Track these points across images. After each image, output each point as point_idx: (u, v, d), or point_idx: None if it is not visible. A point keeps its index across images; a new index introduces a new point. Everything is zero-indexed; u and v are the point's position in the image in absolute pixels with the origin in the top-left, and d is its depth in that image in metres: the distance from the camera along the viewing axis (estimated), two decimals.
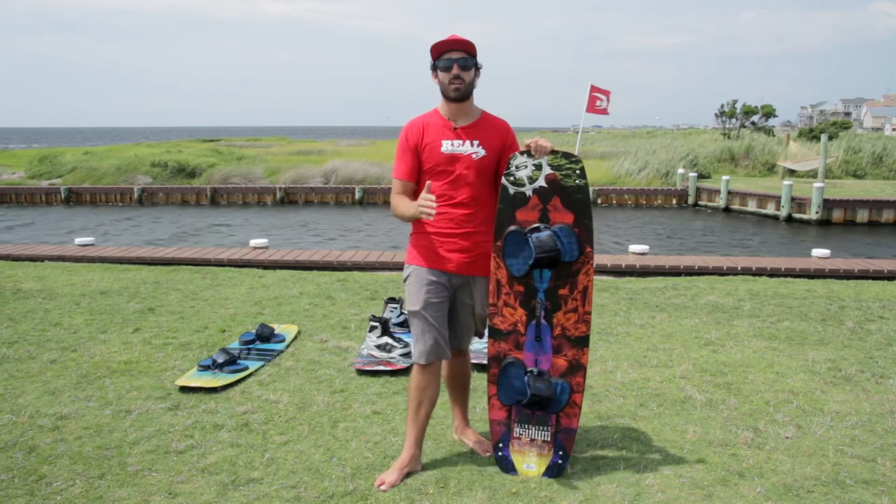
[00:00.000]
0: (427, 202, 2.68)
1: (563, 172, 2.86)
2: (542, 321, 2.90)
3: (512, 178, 2.87)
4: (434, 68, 2.87)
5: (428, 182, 2.80)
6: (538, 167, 2.86)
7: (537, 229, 2.85)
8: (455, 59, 2.81)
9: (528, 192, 2.87)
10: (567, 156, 2.87)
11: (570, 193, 2.86)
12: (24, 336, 4.86)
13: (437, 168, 2.88)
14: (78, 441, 3.21)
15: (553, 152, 2.85)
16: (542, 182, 2.86)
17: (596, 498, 2.75)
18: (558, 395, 2.90)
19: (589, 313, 2.90)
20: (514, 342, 2.94)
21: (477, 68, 2.88)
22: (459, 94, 2.84)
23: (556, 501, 2.73)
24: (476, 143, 2.88)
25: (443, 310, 2.92)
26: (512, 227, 2.87)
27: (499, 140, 2.92)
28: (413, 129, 2.92)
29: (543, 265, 2.85)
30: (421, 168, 2.93)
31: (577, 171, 2.86)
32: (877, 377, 4.11)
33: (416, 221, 2.96)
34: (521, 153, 2.87)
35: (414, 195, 2.93)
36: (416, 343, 2.92)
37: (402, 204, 2.91)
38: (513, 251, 2.86)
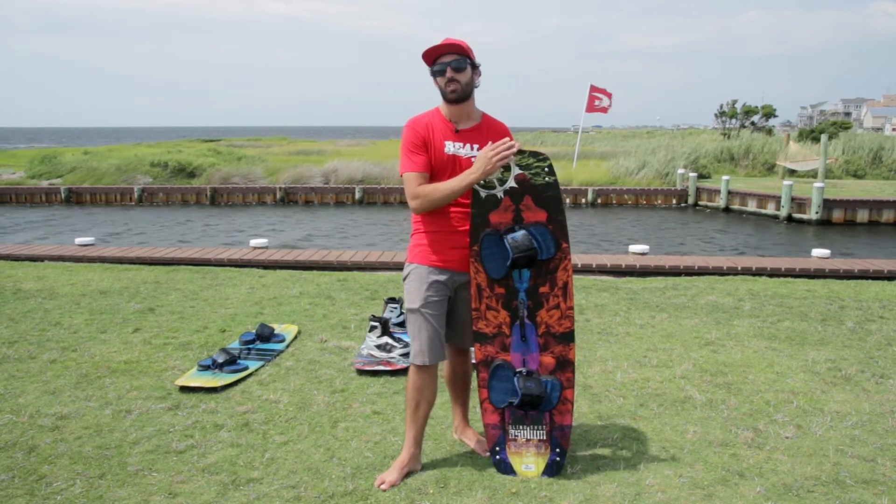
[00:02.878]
0: (500, 147, 2.70)
1: (532, 171, 2.87)
2: (526, 321, 2.91)
3: (481, 182, 2.87)
4: (432, 74, 2.88)
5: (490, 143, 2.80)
6: (506, 168, 2.86)
7: (512, 230, 2.86)
8: (448, 63, 2.81)
9: (500, 195, 2.87)
10: (534, 154, 2.88)
11: (541, 191, 2.87)
12: (24, 336, 4.86)
13: (437, 168, 2.88)
14: (78, 441, 3.21)
15: (520, 152, 2.86)
16: (511, 183, 2.87)
17: (596, 498, 2.75)
18: (549, 392, 2.91)
19: (571, 308, 2.91)
20: (500, 344, 2.94)
21: (474, 67, 2.87)
22: (457, 96, 2.84)
23: (555, 501, 2.73)
24: (476, 146, 2.89)
25: (442, 308, 2.92)
26: (487, 231, 2.87)
27: None
28: (420, 125, 2.91)
29: (521, 265, 2.86)
30: None
31: (546, 169, 2.87)
32: (877, 377, 4.11)
33: (417, 221, 2.96)
34: None
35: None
36: (414, 342, 2.91)
37: (443, 184, 2.79)
38: (490, 254, 2.87)
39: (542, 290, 2.89)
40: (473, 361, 3.88)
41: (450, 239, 2.91)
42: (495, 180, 2.87)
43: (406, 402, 2.99)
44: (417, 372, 2.92)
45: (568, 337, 2.92)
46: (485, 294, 2.91)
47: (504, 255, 2.85)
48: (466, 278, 2.95)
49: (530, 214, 2.87)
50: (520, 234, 2.84)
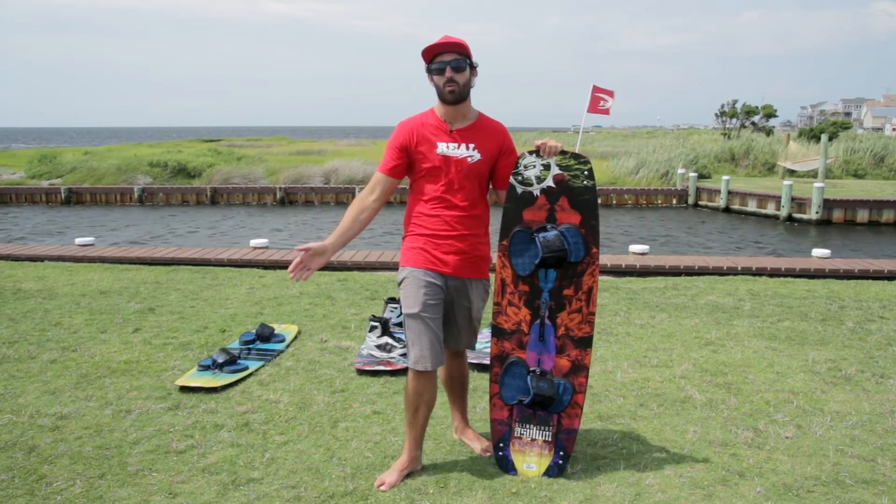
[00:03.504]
0: (301, 271, 2.73)
1: (572, 173, 2.87)
2: (546, 321, 2.90)
3: (520, 178, 2.88)
4: (429, 71, 2.85)
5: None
6: (546, 167, 2.87)
7: (544, 229, 2.86)
8: (447, 62, 2.78)
9: (536, 192, 2.88)
10: (576, 157, 2.88)
11: (578, 194, 2.87)
12: (24, 336, 4.86)
13: (431, 170, 2.86)
14: (78, 441, 3.21)
15: (562, 153, 2.86)
16: (549, 182, 2.87)
17: (596, 498, 2.75)
18: (560, 395, 2.91)
19: (593, 314, 2.90)
20: (518, 341, 2.94)
21: (472, 67, 2.84)
22: (455, 97, 2.81)
23: (556, 501, 2.73)
24: (472, 146, 2.86)
25: (439, 312, 2.89)
26: (518, 227, 2.88)
27: (494, 143, 2.91)
28: (405, 130, 2.89)
29: (549, 265, 2.85)
30: (413, 169, 2.92)
31: (586, 173, 2.87)
32: (877, 377, 4.11)
33: (410, 223, 2.95)
34: (530, 153, 2.88)
35: (389, 191, 2.93)
36: (413, 347, 2.86)
37: (347, 216, 2.87)
38: (519, 251, 2.87)
39: (567, 292, 2.89)
40: (473, 362, 3.88)
41: (445, 243, 2.87)
42: (533, 177, 2.87)
43: (405, 407, 2.97)
44: (417, 377, 2.88)
45: (586, 342, 2.91)
46: (508, 290, 2.91)
47: (533, 254, 2.84)
48: (461, 283, 2.93)
49: (564, 216, 2.87)
50: (552, 234, 2.84)
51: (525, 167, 2.87)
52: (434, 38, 2.85)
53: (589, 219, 2.87)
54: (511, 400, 2.95)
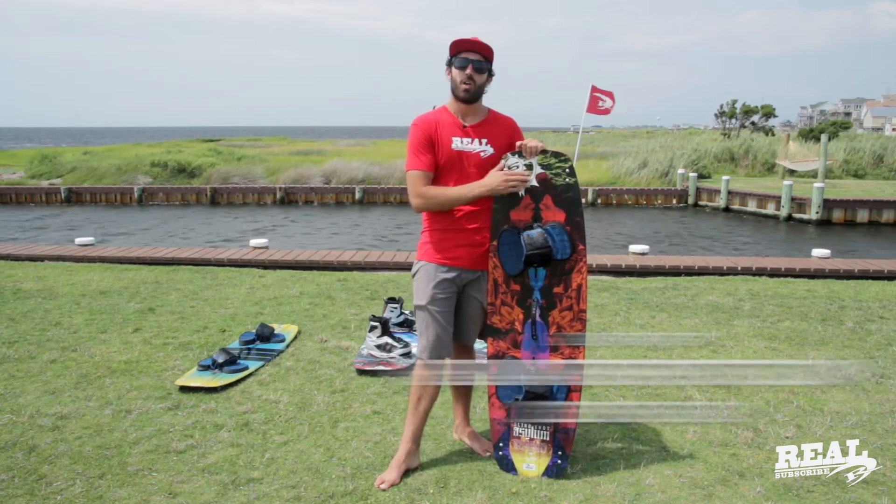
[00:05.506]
0: (516, 175, 2.81)
1: (554, 171, 2.90)
2: (539, 319, 2.92)
3: None
4: (449, 64, 2.90)
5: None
6: (529, 167, 2.90)
7: (530, 228, 2.89)
8: (471, 60, 2.85)
9: (521, 192, 2.91)
10: (556, 155, 2.92)
11: (561, 192, 2.90)
12: (24, 336, 4.86)
13: (446, 165, 2.90)
14: (78, 441, 3.21)
15: (543, 152, 2.90)
16: (533, 181, 2.90)
17: (596, 498, 2.75)
18: (554, 393, 2.92)
19: (584, 311, 2.91)
20: (512, 341, 2.95)
21: (490, 74, 2.92)
22: (469, 95, 2.87)
23: (556, 501, 2.73)
24: (484, 141, 2.92)
25: (449, 306, 2.95)
26: (506, 227, 2.91)
27: (506, 137, 2.97)
28: (426, 124, 2.92)
29: (535, 263, 2.87)
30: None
31: (567, 170, 2.90)
32: (877, 377, 4.11)
33: (427, 219, 2.98)
34: (513, 154, 2.91)
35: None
36: (421, 338, 2.97)
37: (450, 190, 2.84)
38: (507, 250, 2.90)
39: (556, 290, 2.91)
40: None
41: (457, 237, 2.93)
42: None
43: (409, 397, 3.01)
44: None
45: (578, 339, 2.92)
46: (500, 290, 2.94)
47: (520, 252, 2.87)
48: (475, 276, 2.98)
49: (549, 214, 2.90)
50: (536, 232, 2.87)
51: (509, 168, 2.90)
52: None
53: (573, 216, 2.90)
54: (508, 398, 2.97)
